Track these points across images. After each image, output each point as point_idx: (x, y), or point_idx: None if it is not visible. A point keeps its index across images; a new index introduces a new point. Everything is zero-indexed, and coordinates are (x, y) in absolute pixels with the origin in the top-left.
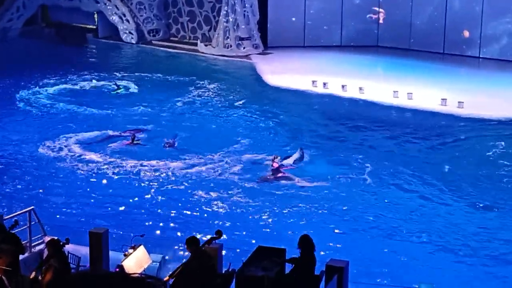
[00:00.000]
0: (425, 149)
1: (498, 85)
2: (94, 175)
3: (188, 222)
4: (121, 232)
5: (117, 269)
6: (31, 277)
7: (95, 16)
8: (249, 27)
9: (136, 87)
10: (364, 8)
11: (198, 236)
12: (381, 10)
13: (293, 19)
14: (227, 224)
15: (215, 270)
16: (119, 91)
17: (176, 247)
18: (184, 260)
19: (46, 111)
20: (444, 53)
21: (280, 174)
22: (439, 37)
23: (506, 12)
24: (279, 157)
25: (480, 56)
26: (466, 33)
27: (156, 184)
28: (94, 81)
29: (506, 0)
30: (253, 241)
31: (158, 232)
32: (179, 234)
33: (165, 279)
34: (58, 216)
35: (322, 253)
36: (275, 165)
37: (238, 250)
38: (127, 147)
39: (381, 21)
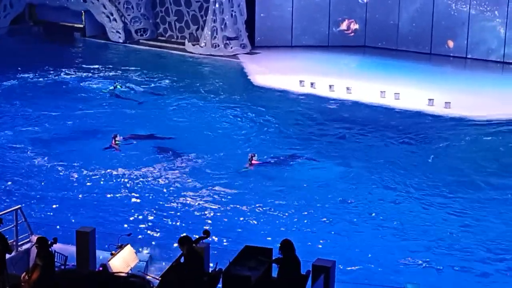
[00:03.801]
0: (411, 149)
1: (485, 86)
2: (81, 175)
3: (176, 221)
4: (107, 229)
5: (101, 268)
6: (22, 277)
7: (83, 15)
8: (237, 27)
9: (123, 86)
10: (352, 8)
11: None
12: (352, 24)
13: (281, 19)
14: (215, 224)
15: (203, 269)
16: (113, 88)
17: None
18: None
19: (29, 109)
20: (431, 54)
21: (252, 167)
22: (426, 37)
23: (493, 13)
24: (255, 155)
25: (467, 56)
26: (451, 43)
27: (143, 183)
28: (117, 83)
29: (493, 1)
30: (240, 241)
31: (145, 231)
32: (166, 233)
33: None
34: (46, 215)
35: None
36: (254, 162)
37: (225, 242)
38: (112, 147)
39: (352, 27)
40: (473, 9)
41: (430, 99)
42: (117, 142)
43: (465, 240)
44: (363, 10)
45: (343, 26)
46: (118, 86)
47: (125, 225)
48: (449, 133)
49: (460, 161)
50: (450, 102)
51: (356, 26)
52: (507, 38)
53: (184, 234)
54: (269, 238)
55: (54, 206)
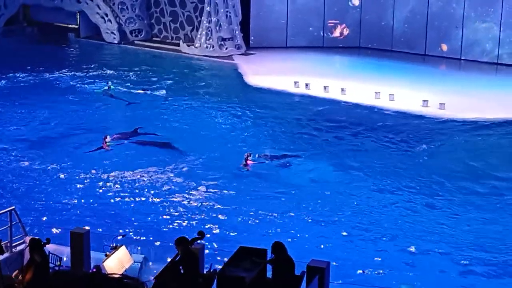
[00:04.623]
0: (405, 150)
1: (479, 87)
2: (75, 176)
3: (170, 223)
4: (102, 230)
5: (94, 270)
6: (14, 275)
7: (77, 15)
8: (232, 28)
9: (118, 87)
10: (347, 10)
11: None
12: (344, 30)
13: (275, 20)
14: (209, 225)
15: (198, 270)
16: (107, 88)
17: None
18: (169, 259)
19: (22, 110)
20: (426, 55)
21: (248, 167)
22: (420, 38)
23: (487, 14)
24: (251, 155)
25: (461, 57)
26: (444, 47)
27: (137, 184)
28: (109, 83)
29: (487, 2)
30: (235, 242)
31: (140, 232)
32: (161, 234)
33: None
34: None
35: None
36: (249, 162)
37: (220, 243)
38: (104, 148)
39: (339, 33)
40: (467, 11)
41: (424, 100)
42: (107, 143)
43: (460, 241)
44: (358, 12)
45: (336, 33)
46: (112, 87)
47: (120, 226)
48: (443, 134)
49: (454, 161)
50: (444, 103)
51: (348, 31)
52: (501, 40)
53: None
54: (265, 240)
55: (47, 207)
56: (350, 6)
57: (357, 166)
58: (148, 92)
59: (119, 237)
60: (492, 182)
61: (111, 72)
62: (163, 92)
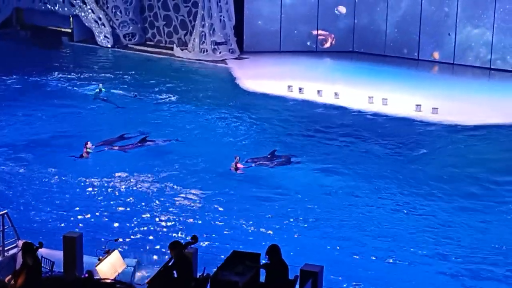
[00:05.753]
0: (398, 155)
1: (472, 92)
2: (67, 180)
3: (163, 227)
4: (95, 235)
5: (86, 275)
6: (7, 280)
7: (71, 19)
8: (225, 32)
9: (111, 90)
10: (340, 14)
11: None
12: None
13: (269, 24)
14: (202, 229)
15: (192, 274)
16: (98, 91)
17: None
18: (163, 263)
19: (14, 112)
20: (419, 60)
21: (239, 171)
22: (413, 43)
23: (480, 19)
24: (238, 157)
25: (454, 62)
26: (436, 55)
27: (130, 189)
28: (100, 86)
29: (480, 7)
30: (228, 246)
31: (132, 236)
32: (153, 238)
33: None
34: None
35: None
36: (239, 165)
37: (213, 247)
38: (84, 156)
39: (330, 44)
40: (459, 16)
41: (417, 105)
42: (87, 149)
43: (457, 246)
44: (352, 16)
45: (327, 44)
46: (103, 90)
47: (113, 230)
48: (436, 139)
49: (447, 166)
50: (437, 108)
51: (335, 41)
52: (493, 45)
53: (175, 240)
54: (258, 244)
55: (40, 211)
56: (343, 12)
57: (350, 170)
58: (138, 96)
59: (116, 240)
60: (486, 185)
61: (104, 75)
62: (155, 96)
